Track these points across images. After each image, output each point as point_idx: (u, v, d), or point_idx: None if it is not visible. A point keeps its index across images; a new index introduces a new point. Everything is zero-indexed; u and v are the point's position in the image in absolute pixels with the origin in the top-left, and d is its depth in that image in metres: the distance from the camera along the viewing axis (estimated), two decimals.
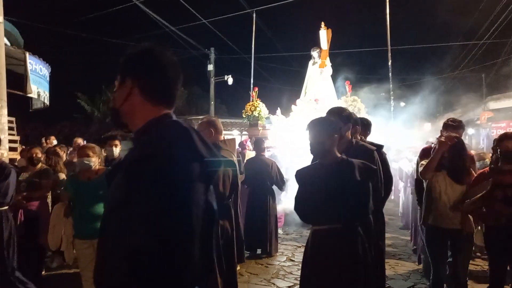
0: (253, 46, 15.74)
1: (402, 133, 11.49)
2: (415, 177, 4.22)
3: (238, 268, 4.96)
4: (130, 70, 1.26)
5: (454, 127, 3.66)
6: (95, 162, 3.58)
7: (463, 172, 3.27)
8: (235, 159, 3.50)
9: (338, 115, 2.95)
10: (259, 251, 5.74)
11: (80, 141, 7.06)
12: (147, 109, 1.23)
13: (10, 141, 6.66)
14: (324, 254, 2.50)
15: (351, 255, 2.46)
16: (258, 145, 6.09)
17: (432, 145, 3.67)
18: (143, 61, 1.27)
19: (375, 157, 2.95)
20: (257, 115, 10.42)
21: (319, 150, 2.52)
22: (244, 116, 10.71)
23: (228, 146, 3.49)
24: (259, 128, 10.45)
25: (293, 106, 10.48)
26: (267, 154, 6.61)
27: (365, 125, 3.75)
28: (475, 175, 3.36)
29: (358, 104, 10.05)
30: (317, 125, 2.58)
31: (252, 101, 10.75)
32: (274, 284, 4.48)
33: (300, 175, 2.67)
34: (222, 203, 3.29)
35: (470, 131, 17.11)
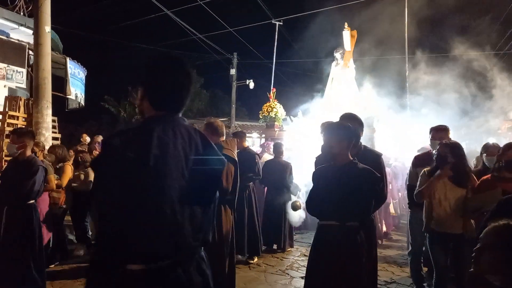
0: (274, 53, 15.94)
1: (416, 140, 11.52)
2: (407, 183, 4.34)
3: (256, 260, 5.45)
4: (140, 79, 1.63)
5: (445, 130, 3.99)
6: None
7: (464, 176, 3.36)
8: (235, 157, 3.81)
9: (353, 121, 3.12)
10: (275, 246, 6.16)
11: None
12: (150, 111, 1.59)
13: (53, 139, 7.35)
14: (325, 247, 2.74)
15: (348, 251, 2.66)
16: (277, 148, 6.49)
17: (434, 151, 3.80)
18: (146, 77, 1.61)
19: (381, 162, 3.19)
20: (273, 116, 10.25)
21: (328, 152, 2.83)
22: (260, 117, 10.58)
23: (229, 146, 3.79)
24: (276, 129, 10.30)
25: (312, 108, 10.35)
26: (285, 156, 6.86)
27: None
28: (476, 180, 3.42)
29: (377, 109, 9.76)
30: (329, 130, 2.83)
31: (270, 102, 10.61)
32: (288, 274, 4.93)
33: (316, 174, 2.93)
34: (225, 197, 3.59)
35: (491, 140, 17.02)
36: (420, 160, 4.05)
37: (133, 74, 1.74)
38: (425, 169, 3.62)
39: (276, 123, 10.39)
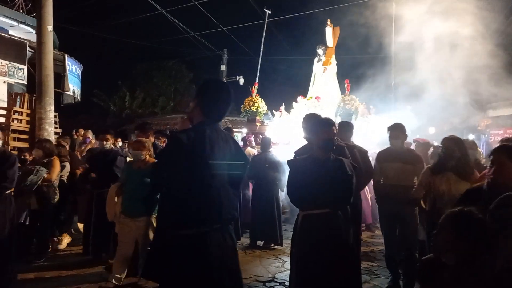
0: (261, 48, 16.00)
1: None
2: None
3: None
4: (196, 94, 2.29)
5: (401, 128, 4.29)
6: (145, 154, 4.22)
7: (468, 170, 3.50)
8: None
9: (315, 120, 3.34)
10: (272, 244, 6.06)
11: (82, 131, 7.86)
12: (199, 118, 2.19)
13: (55, 133, 7.67)
14: (312, 235, 2.90)
15: (336, 236, 2.89)
16: (265, 143, 6.43)
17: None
18: (201, 92, 2.25)
19: (346, 152, 3.50)
20: (255, 110, 10.34)
21: (320, 146, 3.01)
22: (242, 111, 10.59)
23: None
24: (257, 123, 10.36)
25: (294, 103, 10.43)
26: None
27: (345, 128, 4.33)
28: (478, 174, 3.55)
29: (355, 103, 9.88)
30: (317, 125, 3.09)
31: (252, 96, 10.63)
32: (280, 259, 5.43)
33: (294, 165, 3.08)
34: None
35: (470, 136, 17.80)
36: (383, 155, 4.37)
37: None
38: (428, 166, 3.84)
39: (257, 117, 10.47)
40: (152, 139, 4.99)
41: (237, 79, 22.08)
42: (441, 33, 9.19)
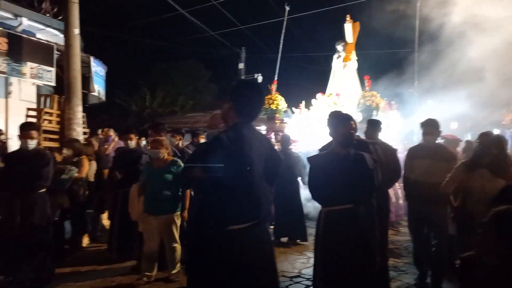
0: (280, 45, 15.89)
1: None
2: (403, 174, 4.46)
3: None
4: (230, 95, 2.34)
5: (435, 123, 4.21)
6: (163, 152, 4.28)
7: (505, 167, 3.44)
8: None
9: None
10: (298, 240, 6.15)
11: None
12: (234, 118, 2.27)
13: (83, 133, 7.91)
14: (336, 231, 2.90)
15: (360, 231, 2.89)
16: (285, 140, 6.48)
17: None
18: (235, 93, 2.31)
19: (370, 148, 3.52)
20: (274, 108, 10.34)
21: (340, 142, 3.01)
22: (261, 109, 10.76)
23: None
24: (277, 121, 10.37)
25: (313, 100, 10.31)
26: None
27: (373, 125, 4.36)
28: None
29: (376, 99, 9.75)
30: (337, 120, 3.07)
31: (271, 94, 10.63)
32: (306, 254, 5.49)
33: (314, 162, 3.09)
34: None
35: (495, 131, 17.34)
36: (415, 152, 4.31)
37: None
38: (462, 161, 3.78)
39: (277, 115, 10.46)
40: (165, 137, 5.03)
41: (255, 77, 22.16)
42: (464, 26, 9.01)
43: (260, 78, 21.85)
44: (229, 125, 2.28)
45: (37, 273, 4.14)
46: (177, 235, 4.36)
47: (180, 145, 5.81)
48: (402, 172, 4.39)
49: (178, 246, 4.36)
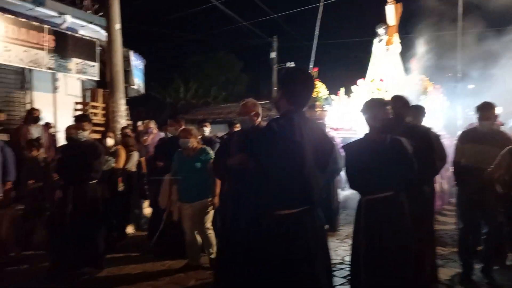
0: (317, 32, 15.36)
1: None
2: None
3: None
4: (280, 84, 2.40)
5: (492, 108, 4.05)
6: (192, 142, 4.33)
7: None
8: None
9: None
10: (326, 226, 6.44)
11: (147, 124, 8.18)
12: (286, 106, 2.31)
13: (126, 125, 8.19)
14: (377, 219, 2.85)
15: (401, 217, 2.86)
16: None
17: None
18: (285, 82, 2.38)
19: (414, 133, 3.41)
20: (315, 96, 9.69)
21: (377, 128, 2.94)
22: None
23: None
24: (317, 109, 9.65)
25: (353, 87, 9.97)
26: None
27: (417, 110, 4.19)
28: None
29: (425, 83, 9.33)
30: (373, 107, 2.98)
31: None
32: (347, 242, 5.45)
33: (349, 149, 3.01)
34: None
35: None
36: (468, 136, 4.18)
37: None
38: (509, 147, 3.64)
39: (317, 103, 9.84)
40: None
41: (288, 66, 21.99)
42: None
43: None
44: (280, 113, 2.32)
45: (90, 258, 4.41)
46: (210, 222, 4.46)
47: (206, 134, 5.83)
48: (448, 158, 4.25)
49: (212, 232, 4.46)
